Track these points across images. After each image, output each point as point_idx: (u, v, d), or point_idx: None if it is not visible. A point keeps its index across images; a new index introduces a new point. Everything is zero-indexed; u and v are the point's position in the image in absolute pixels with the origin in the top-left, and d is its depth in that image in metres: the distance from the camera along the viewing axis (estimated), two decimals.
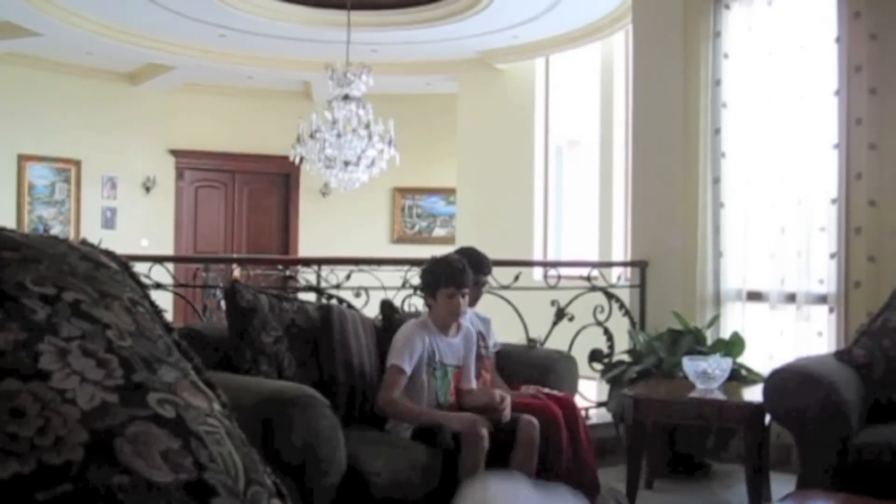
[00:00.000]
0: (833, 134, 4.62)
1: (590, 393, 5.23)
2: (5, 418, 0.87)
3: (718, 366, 3.96)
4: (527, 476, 3.28)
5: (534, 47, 9.25)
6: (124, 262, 1.24)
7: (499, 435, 3.25)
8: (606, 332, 5.19)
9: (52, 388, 0.92)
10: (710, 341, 4.67)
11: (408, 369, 3.42)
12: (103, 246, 1.26)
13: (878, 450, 3.17)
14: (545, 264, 7.15)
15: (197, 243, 11.43)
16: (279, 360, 3.37)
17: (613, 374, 4.74)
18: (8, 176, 10.05)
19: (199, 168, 11.50)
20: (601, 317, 5.18)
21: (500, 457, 3.24)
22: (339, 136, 7.97)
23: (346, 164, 8.05)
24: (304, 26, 8.92)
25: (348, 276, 4.69)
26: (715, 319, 4.94)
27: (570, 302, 5.12)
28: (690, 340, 4.59)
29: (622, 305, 5.28)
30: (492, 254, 4.10)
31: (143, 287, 1.23)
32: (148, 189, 11.05)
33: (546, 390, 3.71)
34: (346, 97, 8.02)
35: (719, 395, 3.92)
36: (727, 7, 5.01)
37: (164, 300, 3.80)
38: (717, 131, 5.03)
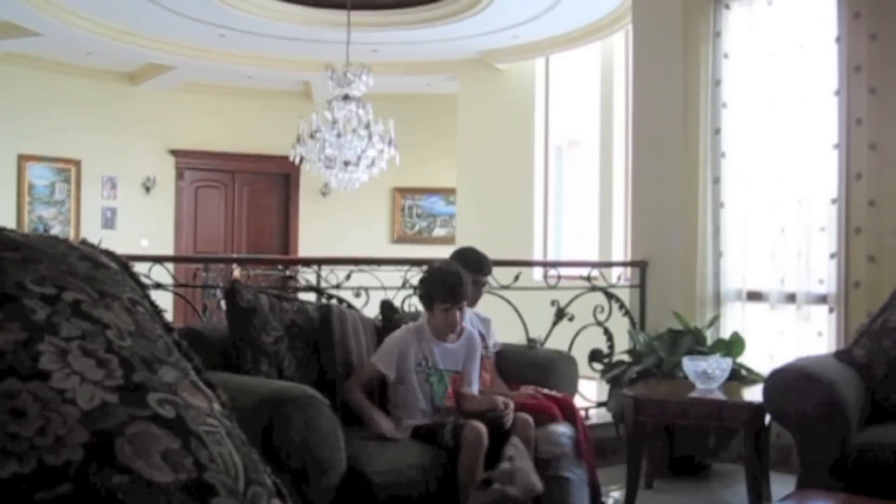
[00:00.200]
0: (833, 134, 4.62)
1: (590, 393, 5.23)
2: (5, 418, 0.87)
3: (718, 366, 3.96)
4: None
5: (534, 47, 9.25)
6: (124, 262, 1.24)
7: (497, 433, 3.25)
8: (606, 332, 5.19)
9: (52, 388, 0.92)
10: (710, 341, 4.67)
11: (384, 371, 3.43)
12: (103, 246, 1.26)
13: (877, 450, 3.17)
14: (545, 264, 7.15)
15: (197, 243, 11.43)
16: (279, 360, 3.37)
17: (613, 374, 4.74)
18: (8, 176, 10.05)
19: (199, 168, 11.50)
20: (601, 317, 5.18)
21: (498, 456, 3.23)
22: (339, 136, 7.97)
23: (346, 164, 8.05)
24: (304, 26, 8.92)
25: (348, 276, 4.69)
26: (715, 319, 4.94)
27: (570, 302, 5.12)
28: (690, 340, 4.59)
29: (622, 305, 5.28)
30: (492, 254, 4.10)
31: (143, 287, 1.23)
32: (148, 189, 11.05)
33: (545, 390, 3.71)
34: (346, 97, 8.02)
35: (719, 395, 3.92)
36: (727, 7, 5.01)
37: (164, 300, 3.80)
38: (717, 131, 5.03)
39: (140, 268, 1.47)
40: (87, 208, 10.62)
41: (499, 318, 4.46)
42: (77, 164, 10.52)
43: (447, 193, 11.41)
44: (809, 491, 3.17)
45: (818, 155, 4.72)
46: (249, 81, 10.99)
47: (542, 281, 5.30)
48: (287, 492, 1.07)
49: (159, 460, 0.91)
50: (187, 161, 11.37)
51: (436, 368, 3.45)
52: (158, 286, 4.23)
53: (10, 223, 9.06)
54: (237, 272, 6.93)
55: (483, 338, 3.91)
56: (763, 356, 4.63)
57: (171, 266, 4.60)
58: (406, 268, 4.78)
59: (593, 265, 5.63)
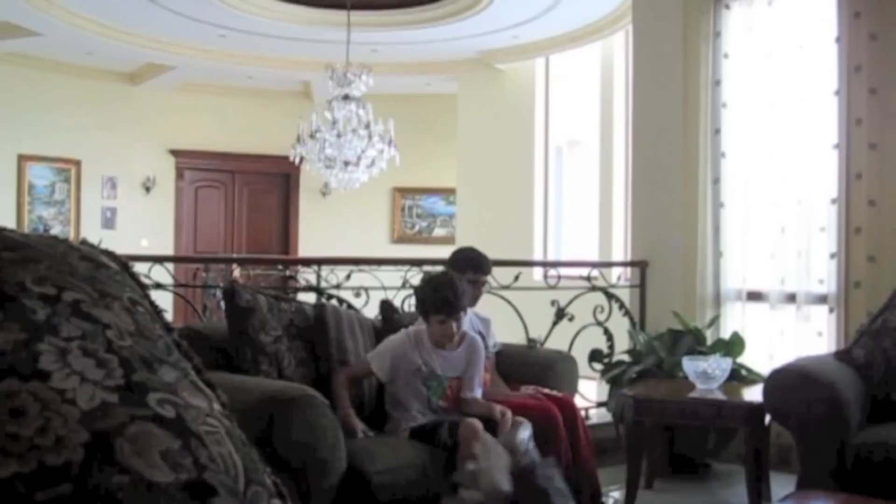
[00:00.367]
0: (833, 134, 4.62)
1: (590, 393, 5.23)
2: (5, 418, 0.87)
3: (718, 366, 3.96)
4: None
5: (534, 47, 9.26)
6: (124, 262, 1.24)
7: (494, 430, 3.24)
8: (606, 332, 5.19)
9: (52, 388, 0.92)
10: (710, 341, 4.67)
11: (376, 371, 3.43)
12: (103, 246, 1.26)
13: (877, 450, 3.17)
14: (545, 264, 7.15)
15: (197, 243, 11.43)
16: (279, 359, 3.38)
17: (613, 374, 4.74)
18: (8, 176, 10.05)
19: (199, 168, 11.50)
20: (601, 317, 5.18)
21: None
22: (339, 136, 7.97)
23: (346, 164, 8.06)
24: (304, 26, 8.92)
25: (348, 276, 4.69)
26: (715, 319, 4.94)
27: (570, 302, 5.12)
28: (690, 340, 4.59)
29: (622, 305, 5.29)
30: (492, 254, 4.10)
31: (143, 287, 1.23)
32: (148, 189, 11.05)
33: (545, 390, 3.71)
34: (346, 97, 8.02)
35: (719, 395, 3.92)
36: (727, 7, 5.01)
37: (164, 300, 3.80)
38: (717, 131, 5.03)
39: (140, 268, 1.47)
40: (87, 208, 10.62)
41: (499, 318, 4.46)
42: (77, 164, 10.53)
43: (447, 193, 11.41)
44: (809, 491, 3.17)
45: (818, 155, 4.71)
46: (249, 81, 10.99)
47: (542, 281, 5.30)
48: (287, 492, 1.07)
49: (159, 460, 0.91)
50: (187, 161, 11.37)
51: (434, 374, 3.43)
52: (158, 286, 4.23)
53: (10, 223, 9.07)
54: (237, 272, 6.93)
55: (483, 337, 3.91)
56: (763, 356, 4.63)
57: (171, 266, 4.60)
58: (406, 268, 4.78)
59: (593, 265, 5.63)
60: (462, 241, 7.54)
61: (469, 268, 3.90)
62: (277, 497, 1.03)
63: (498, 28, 8.77)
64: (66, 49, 9.66)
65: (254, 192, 11.88)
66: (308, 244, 11.52)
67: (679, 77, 5.17)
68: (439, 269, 4.35)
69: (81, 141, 10.43)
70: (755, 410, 3.71)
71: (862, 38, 4.50)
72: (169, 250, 10.84)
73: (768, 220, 4.92)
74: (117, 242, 1.67)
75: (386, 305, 3.98)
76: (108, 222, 10.73)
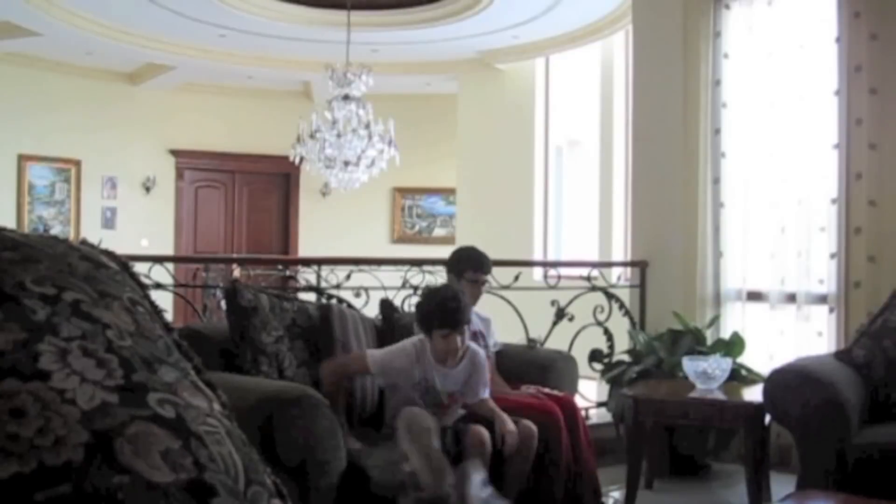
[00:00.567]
0: (833, 134, 4.62)
1: (590, 393, 5.23)
2: (5, 418, 0.87)
3: (718, 366, 3.96)
4: (520, 482, 3.27)
5: (534, 47, 9.25)
6: (124, 262, 1.24)
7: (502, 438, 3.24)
8: (606, 332, 5.19)
9: (52, 388, 0.92)
10: (710, 341, 4.67)
11: (374, 373, 3.39)
12: (103, 246, 1.26)
13: (877, 449, 3.17)
14: (545, 264, 7.15)
15: (197, 243, 11.43)
16: (279, 359, 3.38)
17: (613, 374, 4.74)
18: (8, 176, 10.05)
19: (199, 168, 11.50)
20: (601, 317, 5.18)
21: (499, 460, 3.23)
22: (339, 136, 7.97)
23: (346, 164, 8.06)
24: (304, 26, 8.92)
25: (348, 276, 4.69)
26: (715, 319, 4.94)
27: (570, 302, 5.12)
28: (690, 340, 4.59)
29: (622, 305, 5.28)
30: (492, 254, 4.10)
31: (143, 287, 1.23)
32: (148, 189, 11.05)
33: (546, 390, 3.71)
34: (346, 97, 8.02)
35: (719, 395, 3.92)
36: (727, 7, 5.01)
37: (164, 300, 3.80)
38: (717, 131, 5.03)
39: (140, 268, 1.47)
40: (87, 208, 10.62)
41: (499, 318, 4.46)
42: (77, 164, 10.52)
43: (447, 193, 11.41)
44: (809, 491, 3.17)
45: (818, 155, 4.72)
46: (249, 81, 10.99)
47: (542, 281, 5.30)
48: (287, 492, 1.07)
49: (159, 460, 0.91)
50: (187, 161, 11.37)
51: (432, 389, 3.38)
52: (158, 286, 4.23)
53: (10, 223, 9.06)
54: (237, 272, 6.93)
55: (483, 337, 3.91)
56: (763, 356, 4.63)
57: (171, 266, 4.60)
58: (406, 268, 4.78)
59: (593, 265, 5.63)
60: (462, 241, 7.52)
61: (469, 267, 3.90)
62: (277, 497, 1.03)
63: (498, 28, 8.77)
64: (66, 49, 9.66)
65: (254, 192, 11.88)
66: (308, 244, 11.51)
67: (679, 77, 5.17)
68: (440, 268, 4.35)
69: (81, 141, 10.43)
70: (755, 410, 3.71)
71: (862, 38, 4.50)
72: (169, 250, 10.84)
73: (768, 220, 4.92)
74: (117, 242, 1.67)
75: (386, 304, 3.98)
76: (108, 222, 10.73)
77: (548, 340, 4.88)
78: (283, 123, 9.53)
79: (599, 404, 5.09)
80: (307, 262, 5.92)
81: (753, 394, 3.86)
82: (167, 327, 1.17)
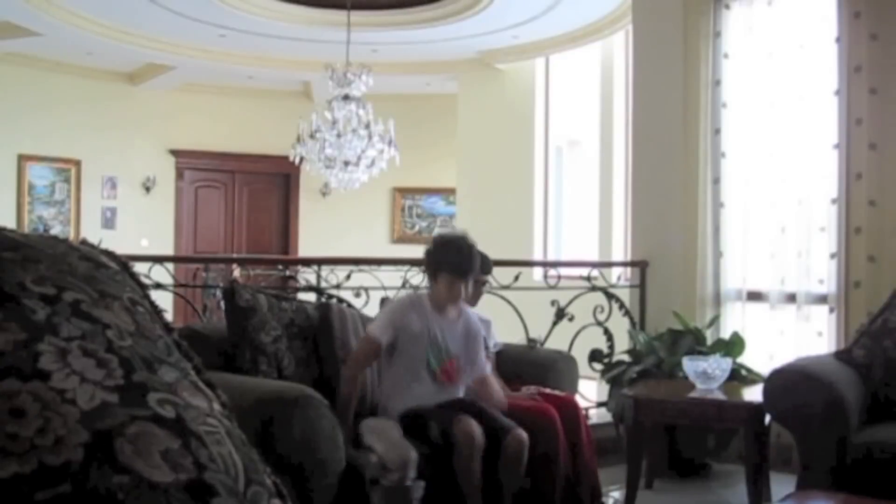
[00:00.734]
0: (833, 134, 4.62)
1: (590, 393, 5.23)
2: (5, 418, 0.87)
3: (718, 366, 3.96)
4: (510, 489, 3.26)
5: (534, 47, 9.25)
6: (124, 262, 1.24)
7: (495, 435, 3.24)
8: (606, 332, 5.19)
9: (52, 388, 0.92)
10: (710, 341, 4.67)
11: (380, 339, 3.36)
12: (103, 246, 1.26)
13: (877, 449, 3.17)
14: (545, 264, 7.15)
15: (197, 243, 11.43)
16: (279, 359, 3.38)
17: (613, 374, 4.74)
18: (8, 176, 10.05)
19: (199, 168, 11.50)
20: (601, 317, 5.18)
21: (494, 456, 3.23)
22: (339, 136, 7.97)
23: (346, 164, 8.06)
24: (304, 26, 8.92)
25: (348, 276, 4.69)
26: (715, 319, 4.94)
27: (570, 302, 5.11)
28: (690, 340, 4.59)
29: (622, 305, 5.28)
30: (492, 254, 4.10)
31: (143, 287, 1.23)
32: (148, 189, 11.05)
33: (547, 390, 3.71)
34: (346, 97, 8.02)
35: (719, 395, 3.92)
36: (727, 7, 5.01)
37: (164, 300, 3.80)
38: (717, 131, 5.03)
39: (140, 268, 1.47)
40: (87, 208, 10.62)
41: (499, 318, 4.46)
42: (77, 164, 10.52)
43: (447, 193, 11.41)
44: (809, 491, 3.17)
45: (818, 155, 4.71)
46: (249, 81, 10.99)
47: (542, 281, 5.30)
48: (287, 492, 1.07)
49: (159, 460, 0.91)
50: (187, 161, 11.37)
51: (436, 341, 3.39)
52: (158, 286, 4.23)
53: (10, 223, 9.06)
54: (237, 272, 6.93)
55: (484, 339, 3.90)
56: (763, 356, 4.63)
57: (171, 266, 4.59)
58: (406, 268, 4.78)
59: (593, 265, 5.63)
60: None
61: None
62: (277, 497, 1.03)
63: (498, 28, 8.77)
64: (66, 49, 9.66)
65: (254, 192, 11.88)
66: (308, 244, 11.51)
67: (679, 77, 5.17)
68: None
69: (81, 141, 10.43)
70: (755, 410, 3.71)
71: (862, 38, 4.50)
72: (169, 250, 10.84)
73: (768, 220, 4.92)
74: (117, 242, 1.67)
75: (386, 302, 3.98)
76: (108, 222, 10.73)
77: (548, 340, 4.88)
78: (283, 123, 9.53)
79: (599, 404, 5.09)
80: (307, 262, 5.92)
81: (753, 394, 3.86)
82: (167, 327, 1.17)
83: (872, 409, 3.44)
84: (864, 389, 3.45)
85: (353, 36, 8.27)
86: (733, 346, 4.49)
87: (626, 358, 4.86)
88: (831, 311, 4.62)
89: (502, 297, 4.92)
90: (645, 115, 5.44)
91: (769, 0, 4.89)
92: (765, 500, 3.77)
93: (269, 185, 11.91)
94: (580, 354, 4.63)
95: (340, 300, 4.26)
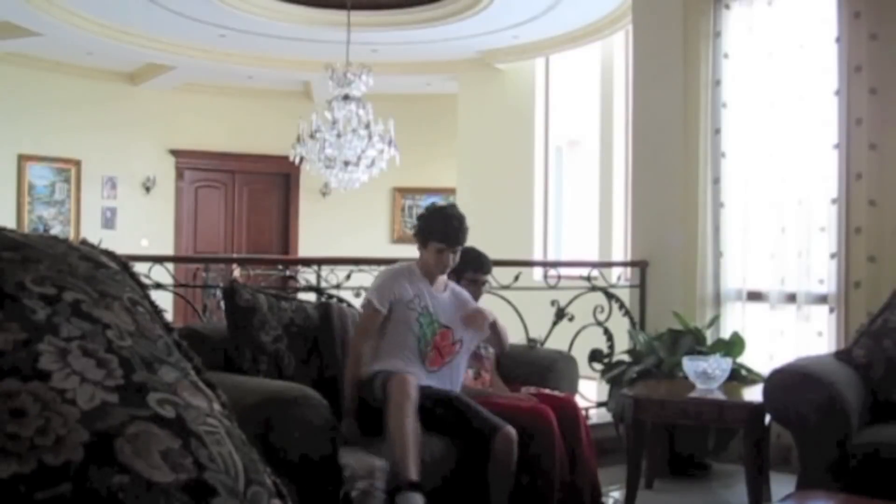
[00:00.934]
0: (833, 134, 4.62)
1: (590, 393, 5.23)
2: (5, 418, 0.87)
3: (718, 366, 3.96)
4: (502, 490, 3.26)
5: (534, 47, 9.25)
6: (124, 262, 1.24)
7: (483, 434, 3.24)
8: (606, 332, 5.19)
9: (52, 388, 0.92)
10: (710, 341, 4.67)
11: (380, 307, 3.40)
12: (103, 246, 1.26)
13: (878, 450, 3.17)
14: (545, 264, 7.15)
15: (197, 243, 11.43)
16: (279, 359, 3.38)
17: (613, 374, 4.74)
18: (8, 176, 10.05)
19: (199, 168, 11.50)
20: (601, 317, 5.18)
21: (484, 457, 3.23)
22: (339, 136, 7.97)
23: (346, 164, 8.06)
24: (304, 26, 8.92)
25: (348, 276, 4.69)
26: (715, 319, 4.94)
27: (570, 302, 5.11)
28: (690, 340, 4.59)
29: (622, 305, 5.28)
30: (492, 254, 4.10)
31: (143, 287, 1.23)
32: (148, 189, 11.05)
33: (546, 391, 3.70)
34: (346, 97, 8.02)
35: (719, 395, 3.92)
36: (727, 7, 5.01)
37: (164, 300, 3.80)
38: (717, 131, 5.03)
39: (140, 268, 1.47)
40: (87, 208, 10.62)
41: (499, 319, 4.45)
42: (77, 164, 10.53)
43: (447, 193, 11.40)
44: (809, 491, 3.17)
45: (818, 155, 4.71)
46: (249, 81, 10.99)
47: (542, 281, 5.30)
48: (287, 491, 1.07)
49: (159, 460, 0.91)
50: (187, 161, 11.37)
51: (426, 310, 3.45)
52: (158, 286, 4.23)
53: (10, 223, 9.06)
54: (237, 272, 6.93)
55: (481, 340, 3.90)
56: (763, 356, 4.63)
57: (171, 266, 4.60)
58: None
59: (593, 265, 5.63)
60: None
61: (469, 267, 3.90)
62: (277, 497, 1.03)
63: (498, 28, 8.77)
64: (66, 49, 9.66)
65: (254, 192, 11.88)
66: (308, 244, 11.51)
67: (679, 77, 5.17)
68: None
69: (81, 141, 10.43)
70: (755, 410, 3.71)
71: (862, 38, 4.50)
72: (169, 250, 10.84)
73: (768, 220, 4.92)
74: (117, 242, 1.67)
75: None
76: (108, 222, 10.73)
77: (548, 340, 4.88)
78: (283, 123, 9.53)
79: (599, 404, 5.09)
80: (307, 262, 5.92)
81: (753, 394, 3.86)
82: (167, 327, 1.17)
83: (873, 409, 3.44)
84: (864, 389, 3.45)
85: (353, 36, 8.27)
86: (733, 346, 4.49)
87: (626, 358, 4.86)
88: (831, 311, 4.62)
89: (502, 297, 4.92)
90: (645, 115, 5.44)
91: (769, 0, 4.89)
92: (765, 500, 3.77)
93: (269, 185, 11.91)
94: (580, 354, 4.63)
95: (340, 300, 4.26)
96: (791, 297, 4.81)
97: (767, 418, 3.75)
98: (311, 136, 8.09)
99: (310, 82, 10.92)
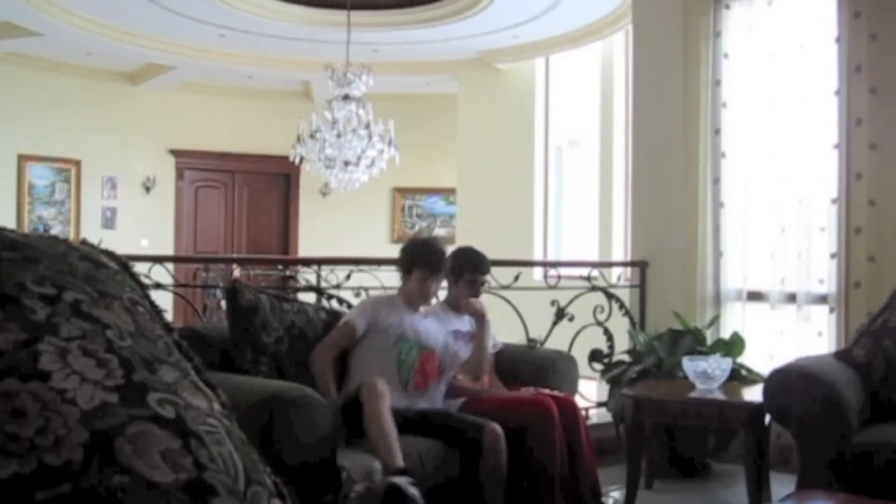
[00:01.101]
0: (833, 134, 4.61)
1: (590, 393, 5.23)
2: (5, 418, 0.87)
3: (718, 366, 3.96)
4: (497, 482, 3.26)
5: (534, 47, 9.25)
6: (124, 262, 1.24)
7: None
8: (606, 332, 5.19)
9: (52, 388, 0.92)
10: (710, 341, 4.67)
11: (356, 325, 3.46)
12: (103, 246, 1.26)
13: (877, 449, 3.17)
14: (545, 264, 7.15)
15: (197, 243, 11.43)
16: (279, 360, 3.38)
17: (613, 374, 4.74)
18: (8, 176, 10.05)
19: (199, 168, 11.50)
20: (601, 317, 5.18)
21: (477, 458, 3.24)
22: (339, 136, 7.97)
23: (346, 164, 8.06)
24: (304, 26, 8.92)
25: (348, 276, 4.69)
26: (715, 319, 4.93)
27: (570, 302, 5.11)
28: (690, 340, 4.58)
29: (622, 305, 5.28)
30: (492, 254, 4.10)
31: (143, 287, 1.23)
32: (148, 189, 11.05)
33: (546, 391, 3.70)
34: (346, 97, 8.02)
35: (719, 395, 3.92)
36: (727, 7, 5.01)
37: (164, 300, 3.79)
38: (717, 131, 5.03)
39: (140, 268, 1.47)
40: (87, 208, 10.62)
41: (499, 318, 4.46)
42: (77, 164, 10.52)
43: (447, 193, 11.41)
44: (809, 491, 3.17)
45: (818, 155, 4.71)
46: (249, 81, 10.99)
47: (542, 281, 5.30)
48: (286, 492, 1.07)
49: (159, 460, 0.91)
50: (187, 161, 11.37)
51: (405, 336, 3.48)
52: (158, 286, 4.23)
53: (10, 223, 9.07)
54: (237, 272, 6.93)
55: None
56: (763, 356, 4.62)
57: (171, 266, 4.59)
58: None
59: (593, 265, 5.63)
60: (462, 241, 7.53)
61: (468, 268, 3.90)
62: (277, 497, 1.03)
63: (498, 28, 8.77)
64: (66, 49, 9.66)
65: (254, 192, 11.88)
66: (308, 244, 11.51)
67: (679, 77, 5.17)
68: None
69: (81, 141, 10.43)
70: (755, 410, 3.70)
71: (862, 38, 4.50)
72: (169, 250, 10.84)
73: (768, 220, 4.91)
74: (117, 242, 1.67)
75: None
76: (108, 222, 10.73)
77: (548, 340, 4.88)
78: (283, 123, 9.53)
79: (599, 404, 5.09)
80: (307, 262, 5.92)
81: (753, 394, 3.86)
82: (167, 327, 1.17)
83: (873, 409, 3.44)
84: (864, 389, 3.45)
85: (353, 36, 8.27)
86: (733, 346, 4.49)
87: (626, 358, 4.85)
88: (831, 311, 4.62)
89: (502, 297, 4.92)
90: (645, 115, 5.44)
91: (769, 0, 4.89)
92: (765, 500, 3.77)
93: (269, 185, 11.91)
94: (580, 354, 4.63)
95: (340, 300, 4.26)
96: (791, 297, 4.81)
97: (767, 418, 3.75)
98: (311, 136, 8.09)
99: (310, 82, 10.92)
